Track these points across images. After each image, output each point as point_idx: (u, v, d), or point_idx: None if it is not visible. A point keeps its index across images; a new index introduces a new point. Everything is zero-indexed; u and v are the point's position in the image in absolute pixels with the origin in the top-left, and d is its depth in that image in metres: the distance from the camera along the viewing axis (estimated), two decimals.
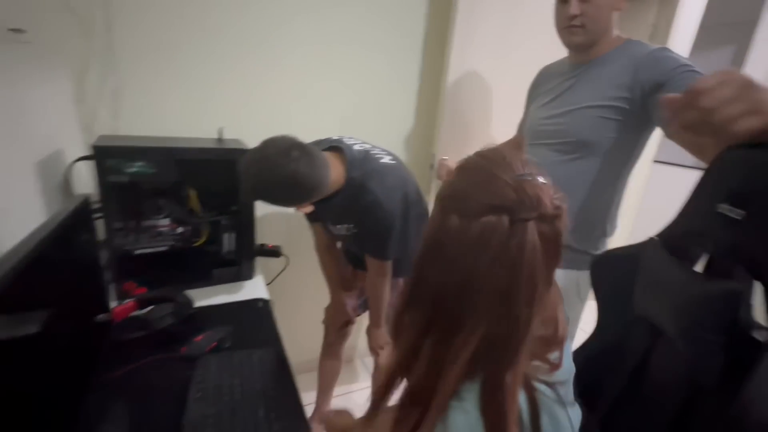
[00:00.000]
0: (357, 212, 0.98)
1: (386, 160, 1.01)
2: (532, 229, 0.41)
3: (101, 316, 0.81)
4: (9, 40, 0.73)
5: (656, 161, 2.61)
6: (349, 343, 1.57)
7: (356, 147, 1.00)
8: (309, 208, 0.95)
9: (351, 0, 1.33)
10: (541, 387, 0.47)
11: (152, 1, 1.09)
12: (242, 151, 1.04)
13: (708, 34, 2.69)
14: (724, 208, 0.62)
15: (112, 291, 0.99)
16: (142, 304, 0.91)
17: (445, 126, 1.51)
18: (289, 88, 1.33)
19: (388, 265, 1.08)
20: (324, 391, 1.47)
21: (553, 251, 0.44)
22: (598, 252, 1.07)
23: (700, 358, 0.63)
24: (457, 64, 1.44)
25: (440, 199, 0.47)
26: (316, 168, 0.82)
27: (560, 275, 0.55)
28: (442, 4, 1.45)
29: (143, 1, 1.09)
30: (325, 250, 1.25)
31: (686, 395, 0.67)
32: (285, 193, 0.82)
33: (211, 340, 0.84)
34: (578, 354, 0.81)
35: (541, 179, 0.44)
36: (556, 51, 1.68)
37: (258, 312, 1.02)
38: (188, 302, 0.92)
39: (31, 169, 0.81)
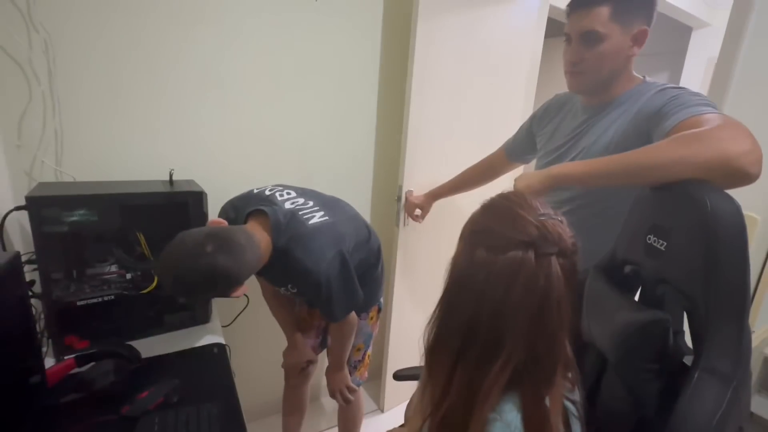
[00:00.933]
0: (291, 278, 0.97)
1: (315, 219, 0.96)
2: (554, 262, 0.47)
3: (34, 378, 0.76)
4: None
5: None
6: (315, 380, 1.52)
7: (286, 206, 0.97)
8: (242, 291, 0.88)
9: (302, 33, 1.36)
10: (568, 404, 0.51)
11: (94, 45, 1.08)
12: (196, 194, 1.03)
13: (644, 62, 2.92)
14: (651, 239, 0.67)
15: (51, 348, 0.93)
16: (82, 361, 0.85)
17: (410, 157, 1.53)
18: (242, 124, 1.33)
19: (344, 322, 1.06)
20: (294, 428, 1.41)
21: (573, 282, 0.50)
22: None
23: (637, 387, 0.66)
24: (417, 98, 1.47)
25: (467, 235, 0.53)
26: (235, 256, 0.78)
27: None
28: (399, 32, 1.51)
29: (85, 45, 1.07)
30: (272, 296, 1.21)
31: (632, 421, 0.68)
32: (208, 289, 0.79)
33: (157, 396, 0.80)
34: None
35: (559, 218, 0.52)
36: (510, 77, 1.77)
37: (213, 359, 0.99)
38: (134, 355, 0.87)
39: None
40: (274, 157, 1.42)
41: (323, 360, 1.29)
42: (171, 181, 1.08)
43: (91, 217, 0.90)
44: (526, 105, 1.88)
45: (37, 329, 0.92)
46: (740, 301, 0.54)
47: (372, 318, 1.23)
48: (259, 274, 0.98)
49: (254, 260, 0.83)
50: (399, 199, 1.56)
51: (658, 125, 0.79)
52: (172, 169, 1.09)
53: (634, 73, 0.94)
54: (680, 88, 0.85)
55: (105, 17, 1.08)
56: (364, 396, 1.40)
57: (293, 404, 1.37)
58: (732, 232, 0.55)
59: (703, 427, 0.49)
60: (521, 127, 1.25)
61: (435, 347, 0.54)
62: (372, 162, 1.67)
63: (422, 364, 0.57)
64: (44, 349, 0.94)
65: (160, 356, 0.96)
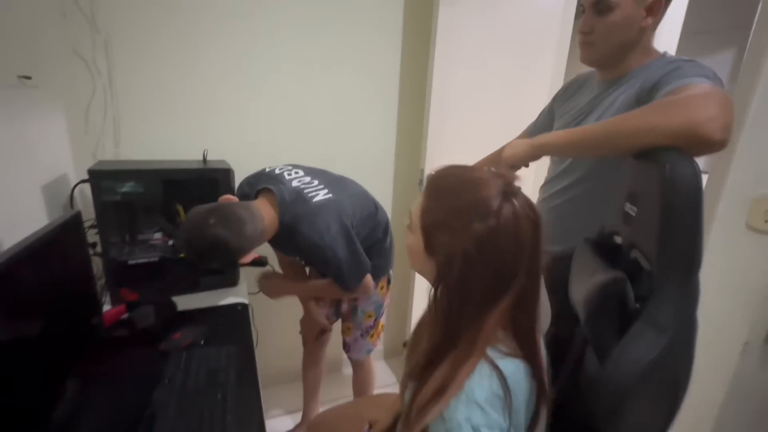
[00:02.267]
0: (298, 251, 1.06)
1: (319, 197, 1.04)
2: (522, 197, 0.55)
3: (95, 319, 0.94)
4: (18, 86, 0.88)
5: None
6: (336, 353, 1.65)
7: (293, 184, 1.06)
8: (251, 257, 0.98)
9: (328, 22, 1.46)
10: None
11: (145, 44, 1.26)
12: (224, 171, 1.17)
13: (714, 38, 2.70)
14: (627, 207, 0.70)
15: (109, 298, 1.13)
16: (131, 308, 1.03)
17: (432, 140, 1.58)
18: (270, 110, 1.47)
19: (359, 288, 1.12)
20: (309, 398, 1.55)
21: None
22: None
23: (604, 347, 0.69)
24: (439, 79, 1.52)
25: (442, 224, 0.56)
26: (234, 228, 0.87)
27: None
28: (420, 17, 1.56)
29: (138, 45, 1.25)
30: (288, 266, 1.32)
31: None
32: (215, 254, 0.90)
33: (187, 337, 0.95)
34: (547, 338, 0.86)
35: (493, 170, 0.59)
36: (537, 58, 1.73)
37: (236, 314, 1.13)
38: (170, 305, 1.04)
39: (37, 191, 0.95)
40: (299, 140, 1.55)
41: (338, 329, 1.41)
42: (204, 160, 1.23)
43: (138, 189, 1.07)
44: (554, 87, 1.85)
45: (97, 282, 1.11)
46: (689, 258, 0.56)
47: (382, 288, 1.31)
48: (273, 245, 1.10)
49: (256, 233, 0.93)
50: (421, 182, 1.61)
51: (654, 97, 0.80)
52: (206, 150, 1.25)
53: (655, 48, 0.90)
54: (690, 60, 0.82)
55: (154, 20, 1.25)
56: (387, 371, 1.48)
57: (311, 369, 1.51)
58: (687, 193, 0.56)
59: (631, 372, 0.53)
60: (542, 110, 1.24)
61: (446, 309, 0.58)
62: (394, 146, 1.75)
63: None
64: (104, 299, 1.14)
65: (192, 309, 1.12)
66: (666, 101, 0.69)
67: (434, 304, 0.60)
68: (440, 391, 0.52)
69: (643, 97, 0.83)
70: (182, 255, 1.19)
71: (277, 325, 1.65)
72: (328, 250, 0.99)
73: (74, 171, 1.20)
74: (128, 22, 1.23)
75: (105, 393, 0.78)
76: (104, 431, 0.69)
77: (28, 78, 0.91)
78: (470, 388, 0.51)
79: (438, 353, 0.57)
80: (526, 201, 0.56)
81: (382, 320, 1.38)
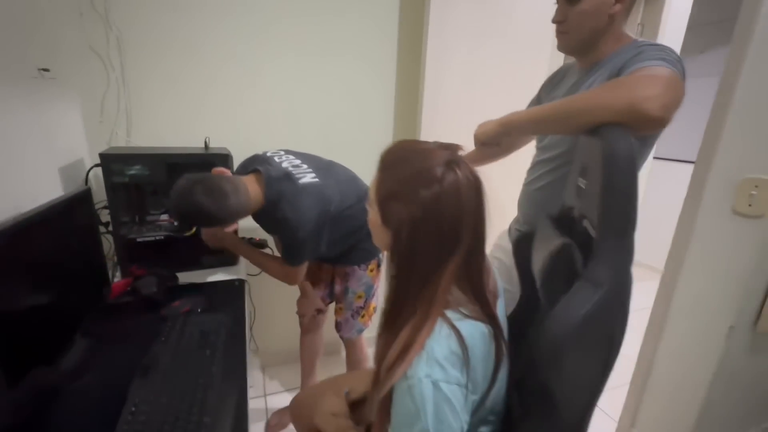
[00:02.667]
0: (274, 226, 1.14)
1: (307, 179, 1.12)
2: (465, 165, 0.59)
3: (105, 289, 1.05)
4: (38, 77, 0.99)
5: (656, 158, 2.59)
6: (335, 336, 1.72)
7: (283, 165, 1.15)
8: (234, 227, 1.10)
9: (325, 13, 1.54)
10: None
11: (154, 40, 1.36)
12: (223, 156, 1.26)
13: (722, 29, 2.64)
14: (580, 181, 0.74)
15: (120, 272, 1.23)
16: (137, 280, 1.13)
17: (425, 129, 1.64)
18: (270, 100, 1.55)
19: (293, 270, 1.20)
20: (306, 376, 1.62)
21: None
22: None
23: (550, 302, 0.73)
24: (432, 68, 1.57)
25: (396, 194, 0.60)
26: (216, 199, 0.97)
27: None
28: (416, 8, 1.61)
29: (147, 41, 1.35)
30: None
31: None
32: (196, 220, 1.03)
33: (185, 305, 1.04)
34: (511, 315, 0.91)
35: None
36: (531, 45, 1.74)
37: (233, 288, 1.22)
38: (171, 276, 1.13)
39: (55, 173, 1.06)
40: (299, 130, 1.63)
41: (332, 311, 1.48)
42: (206, 147, 1.33)
43: (144, 172, 1.17)
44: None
45: (110, 258, 1.22)
46: (624, 220, 0.61)
47: (372, 270, 1.38)
48: (256, 220, 1.19)
49: (238, 205, 1.01)
50: None
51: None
52: (207, 137, 1.34)
53: (627, 33, 0.94)
54: (656, 45, 0.86)
55: (161, 17, 1.35)
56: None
57: (307, 348, 1.59)
58: (622, 163, 0.61)
59: (568, 323, 0.57)
60: (532, 99, 1.27)
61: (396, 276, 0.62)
62: (392, 135, 1.81)
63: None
64: (116, 273, 1.25)
65: (193, 283, 1.22)
66: (615, 81, 0.74)
67: (388, 270, 0.64)
68: (404, 352, 0.56)
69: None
70: (188, 233, 1.29)
71: (278, 306, 1.74)
72: (294, 228, 1.07)
73: (89, 156, 1.31)
74: (138, 19, 1.33)
75: (108, 347, 0.88)
76: (104, 377, 0.78)
77: (47, 70, 1.01)
78: (430, 346, 0.54)
79: (392, 315, 0.62)
80: (470, 169, 0.60)
81: (374, 302, 1.45)
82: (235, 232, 1.25)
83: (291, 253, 1.16)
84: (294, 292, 1.49)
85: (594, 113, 0.71)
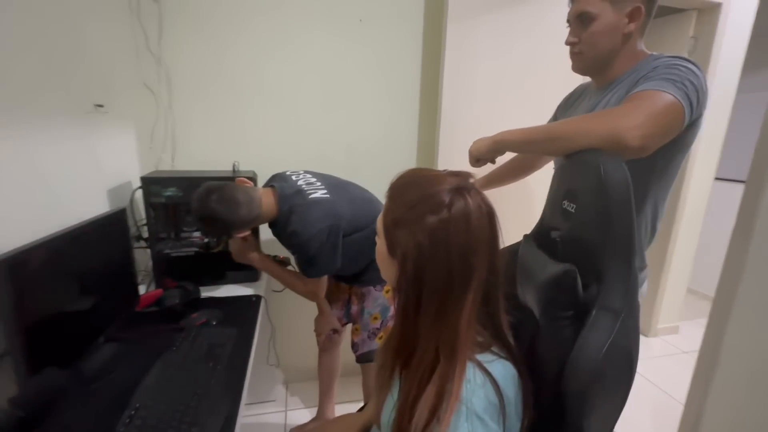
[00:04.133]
0: (288, 240, 1.19)
1: (317, 195, 1.18)
2: (476, 192, 0.57)
3: (132, 299, 1.16)
4: (93, 112, 1.15)
5: (717, 178, 2.34)
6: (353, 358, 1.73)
7: (298, 182, 1.22)
8: (245, 234, 1.18)
9: (350, 46, 1.63)
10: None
11: (198, 77, 1.52)
12: (247, 179, 1.36)
13: None
14: (567, 204, 0.72)
15: (155, 283, 1.36)
16: (165, 292, 1.23)
17: (443, 153, 1.65)
18: (298, 127, 1.66)
19: (314, 281, 1.26)
20: (324, 394, 1.64)
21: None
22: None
23: (557, 333, 0.70)
24: (449, 95, 1.59)
25: (401, 221, 0.57)
26: (229, 208, 1.06)
27: None
28: (438, 39, 1.64)
29: (193, 77, 1.52)
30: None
31: (558, 366, 0.72)
32: (210, 225, 1.11)
33: (202, 317, 1.12)
34: None
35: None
36: (549, 67, 1.70)
37: (250, 304, 1.28)
38: (194, 290, 1.22)
39: (103, 194, 1.21)
40: (324, 154, 1.71)
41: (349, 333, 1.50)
42: (234, 170, 1.44)
43: (179, 193, 1.29)
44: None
45: (139, 270, 1.35)
46: (627, 247, 0.61)
47: (388, 291, 1.38)
48: (274, 234, 1.26)
49: (249, 215, 1.10)
50: None
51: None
52: (237, 162, 1.46)
53: (643, 49, 0.92)
54: (670, 60, 0.82)
55: (205, 55, 1.51)
56: None
57: (325, 367, 1.61)
58: (620, 192, 0.61)
59: (595, 353, 0.56)
60: (549, 120, 1.27)
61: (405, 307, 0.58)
62: (415, 160, 1.83)
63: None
64: (152, 284, 1.37)
65: (214, 297, 1.30)
66: (603, 111, 0.73)
67: (395, 304, 0.60)
68: (436, 407, 0.51)
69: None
70: (216, 250, 1.39)
71: (301, 323, 1.79)
72: (304, 241, 1.13)
73: (138, 179, 1.47)
74: (185, 57, 1.50)
75: (125, 352, 0.96)
76: (116, 379, 0.86)
77: (101, 106, 1.18)
78: (468, 399, 0.50)
79: (403, 352, 0.59)
80: (481, 197, 0.57)
81: (390, 324, 1.44)
82: (259, 248, 1.32)
83: (304, 267, 1.21)
84: (314, 309, 1.53)
85: (577, 139, 0.72)
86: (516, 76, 1.65)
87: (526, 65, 1.65)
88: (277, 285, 1.51)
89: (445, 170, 0.62)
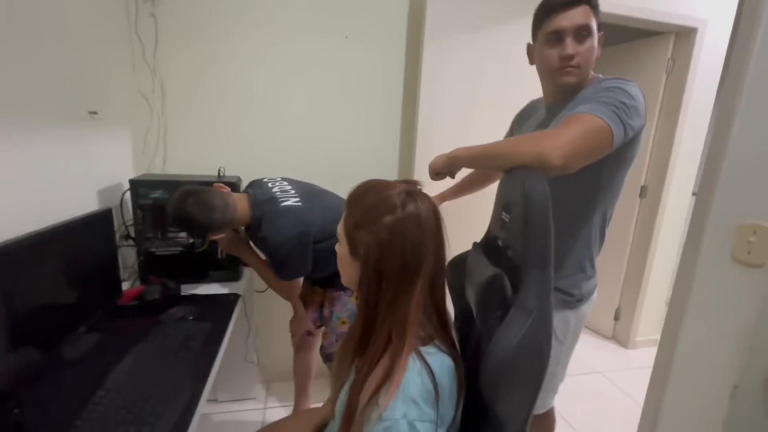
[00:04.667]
0: (259, 244, 1.27)
1: (289, 203, 1.25)
2: (423, 195, 0.67)
3: (115, 293, 1.24)
4: (87, 118, 1.25)
5: (695, 193, 2.41)
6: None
7: (273, 189, 1.29)
8: (219, 236, 1.25)
9: (335, 60, 1.72)
10: None
11: (190, 86, 1.62)
12: (231, 183, 1.44)
13: None
14: (504, 215, 0.80)
15: (137, 279, 1.44)
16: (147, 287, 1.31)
17: (419, 168, 1.74)
18: (283, 135, 1.74)
19: (285, 283, 1.33)
20: (299, 393, 1.69)
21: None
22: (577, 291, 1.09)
23: (489, 330, 0.77)
24: (426, 108, 1.68)
25: (362, 223, 0.65)
26: (203, 210, 1.13)
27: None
28: (417, 57, 1.75)
29: (185, 86, 1.61)
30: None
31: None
32: (185, 227, 1.19)
33: (180, 312, 1.19)
34: None
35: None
36: (521, 86, 1.78)
37: (228, 302, 1.36)
38: (175, 287, 1.30)
39: (94, 195, 1.30)
40: (308, 161, 1.79)
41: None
42: (219, 175, 1.52)
43: (164, 195, 1.38)
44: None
45: (126, 266, 1.43)
46: (544, 254, 0.68)
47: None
48: (250, 238, 1.34)
49: (224, 219, 1.17)
50: None
51: None
52: (222, 167, 1.54)
53: (592, 73, 0.99)
54: (611, 83, 0.89)
55: (195, 65, 1.61)
56: None
57: (299, 368, 1.67)
58: (540, 206, 0.68)
59: (507, 345, 0.63)
60: (506, 134, 1.35)
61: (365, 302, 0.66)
62: (397, 167, 1.91)
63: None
64: (137, 281, 1.45)
65: (196, 294, 1.38)
66: (536, 132, 0.81)
67: (358, 300, 0.68)
68: (382, 383, 0.59)
69: None
70: (199, 250, 1.47)
71: (281, 324, 1.85)
72: (273, 247, 1.20)
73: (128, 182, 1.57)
74: (179, 67, 1.60)
75: (105, 340, 1.04)
76: (94, 363, 0.94)
77: (95, 113, 1.27)
78: (405, 385, 0.58)
79: (363, 340, 0.66)
80: (427, 198, 0.67)
81: None
82: (248, 242, 1.40)
83: (275, 270, 1.28)
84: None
85: (512, 158, 0.80)
86: (488, 94, 1.73)
87: (497, 85, 1.73)
88: (261, 285, 1.59)
89: (396, 179, 0.71)
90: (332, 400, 0.75)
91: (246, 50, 1.64)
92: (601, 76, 0.98)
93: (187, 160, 1.67)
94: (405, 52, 1.77)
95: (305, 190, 1.34)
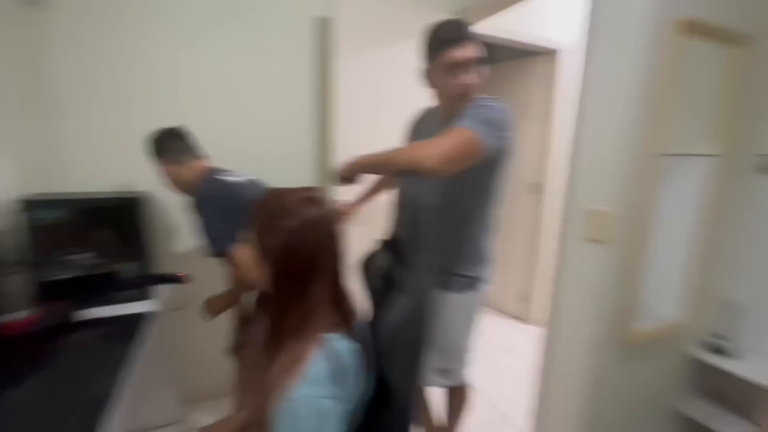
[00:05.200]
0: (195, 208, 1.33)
1: (230, 178, 1.35)
2: (322, 201, 0.75)
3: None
4: None
5: None
6: None
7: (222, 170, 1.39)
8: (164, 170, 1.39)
9: (245, 66, 1.78)
10: None
11: (90, 97, 1.55)
12: (131, 199, 1.42)
13: None
14: (400, 213, 0.98)
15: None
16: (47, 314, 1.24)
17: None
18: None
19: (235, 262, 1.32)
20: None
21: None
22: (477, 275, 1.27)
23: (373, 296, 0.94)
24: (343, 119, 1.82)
25: (270, 228, 0.72)
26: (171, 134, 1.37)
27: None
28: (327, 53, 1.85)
29: (79, 96, 1.55)
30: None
31: None
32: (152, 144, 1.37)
33: (79, 337, 1.17)
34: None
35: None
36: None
37: (130, 323, 1.29)
38: (73, 313, 1.26)
39: None
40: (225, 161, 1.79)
41: None
42: (117, 192, 1.50)
43: (60, 214, 1.33)
44: None
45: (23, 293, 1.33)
46: (427, 243, 0.86)
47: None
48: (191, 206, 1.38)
49: (178, 148, 1.37)
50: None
51: None
52: (120, 184, 1.53)
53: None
54: (485, 102, 1.07)
55: (90, 72, 1.55)
56: None
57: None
58: (423, 203, 0.89)
59: (392, 323, 0.78)
60: (403, 139, 1.49)
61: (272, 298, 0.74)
62: (312, 159, 2.00)
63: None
64: (32, 309, 1.34)
65: (100, 318, 1.32)
66: (418, 142, 1.01)
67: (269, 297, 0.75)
68: (282, 376, 0.66)
69: None
70: (103, 272, 1.41)
71: (204, 344, 1.84)
72: (201, 213, 1.28)
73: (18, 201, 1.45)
74: (71, 78, 1.55)
75: None
76: None
77: None
78: (309, 368, 0.66)
79: (275, 333, 0.73)
80: (325, 203, 0.76)
81: None
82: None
83: (206, 237, 1.31)
84: (216, 329, 1.60)
85: (399, 164, 0.97)
86: (395, 103, 1.91)
87: (403, 95, 1.91)
88: (177, 304, 1.55)
89: (298, 187, 0.80)
90: (253, 404, 0.80)
91: (145, 57, 1.62)
92: (479, 96, 1.14)
93: (86, 175, 1.60)
94: (318, 59, 1.88)
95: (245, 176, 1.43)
